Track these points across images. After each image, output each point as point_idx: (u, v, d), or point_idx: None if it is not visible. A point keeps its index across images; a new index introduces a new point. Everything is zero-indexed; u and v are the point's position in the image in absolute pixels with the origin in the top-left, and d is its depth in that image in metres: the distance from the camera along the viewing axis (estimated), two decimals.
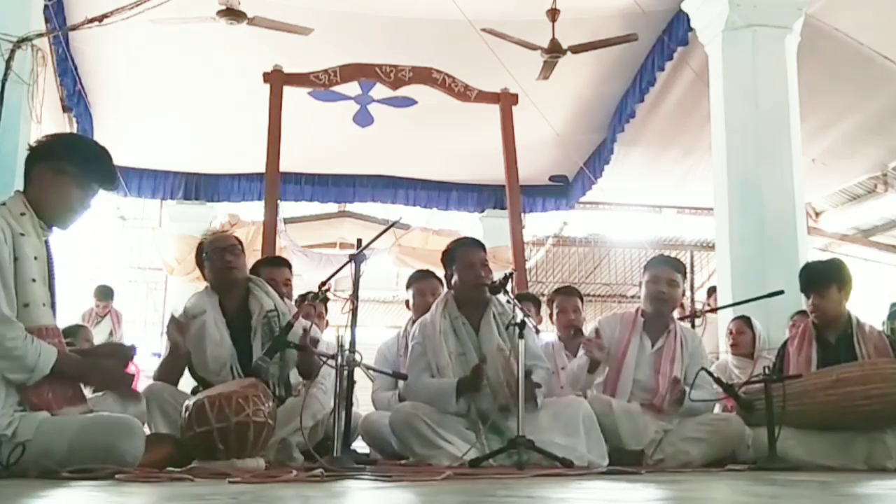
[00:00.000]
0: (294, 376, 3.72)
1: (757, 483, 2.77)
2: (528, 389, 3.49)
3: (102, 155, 2.89)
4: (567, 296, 5.04)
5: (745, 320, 5.83)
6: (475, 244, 3.96)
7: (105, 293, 8.94)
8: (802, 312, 5.68)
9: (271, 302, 3.68)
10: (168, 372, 3.62)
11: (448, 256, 3.94)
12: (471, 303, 3.83)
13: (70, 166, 2.74)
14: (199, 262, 3.82)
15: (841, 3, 7.86)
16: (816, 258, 6.08)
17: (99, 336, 8.44)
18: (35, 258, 2.65)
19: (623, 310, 4.47)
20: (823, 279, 4.05)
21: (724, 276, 6.99)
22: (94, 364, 2.83)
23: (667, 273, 4.14)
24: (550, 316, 5.12)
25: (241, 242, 3.86)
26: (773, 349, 5.57)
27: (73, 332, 5.70)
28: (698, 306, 12.70)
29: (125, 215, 12.84)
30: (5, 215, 2.63)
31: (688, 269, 14.12)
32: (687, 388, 3.90)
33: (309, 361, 3.59)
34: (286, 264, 4.52)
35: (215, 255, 3.71)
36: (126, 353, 3.02)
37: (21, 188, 2.77)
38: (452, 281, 3.89)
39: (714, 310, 7.08)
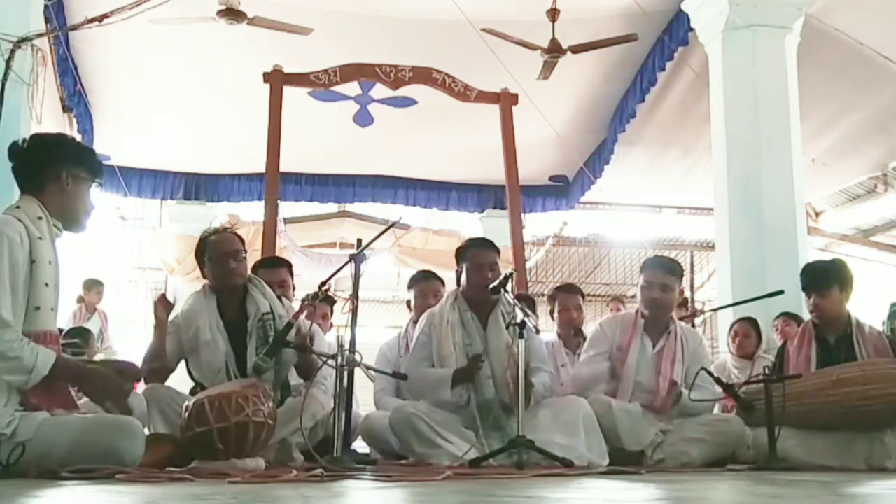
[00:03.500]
0: (294, 377, 3.72)
1: (757, 483, 2.77)
2: (524, 390, 3.50)
3: (91, 149, 3.00)
4: (569, 294, 5.03)
5: (750, 323, 5.76)
6: (487, 245, 3.95)
7: (96, 283, 8.90)
8: (786, 314, 5.71)
9: (267, 304, 3.62)
10: (154, 355, 3.57)
11: (460, 254, 3.95)
12: (479, 301, 3.83)
13: (84, 171, 2.79)
14: (199, 260, 3.71)
15: (841, 3, 7.86)
16: (816, 258, 6.09)
17: None
18: (49, 262, 2.67)
19: (624, 311, 4.46)
20: (825, 279, 4.05)
21: (724, 276, 6.99)
22: (93, 371, 2.78)
23: (660, 278, 4.12)
24: (551, 313, 5.11)
25: (243, 243, 3.77)
26: (773, 349, 5.58)
27: (78, 333, 5.67)
28: (699, 307, 12.70)
29: (125, 215, 12.84)
30: (23, 219, 2.64)
31: (687, 269, 14.13)
32: (685, 391, 3.91)
33: (307, 362, 3.58)
34: (284, 264, 4.46)
35: (219, 259, 3.63)
36: (135, 375, 3.04)
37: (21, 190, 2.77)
38: (461, 279, 3.89)
39: (714, 310, 7.08)
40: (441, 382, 3.66)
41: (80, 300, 8.87)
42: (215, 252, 3.65)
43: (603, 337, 4.17)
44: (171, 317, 3.66)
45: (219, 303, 3.65)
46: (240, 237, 3.81)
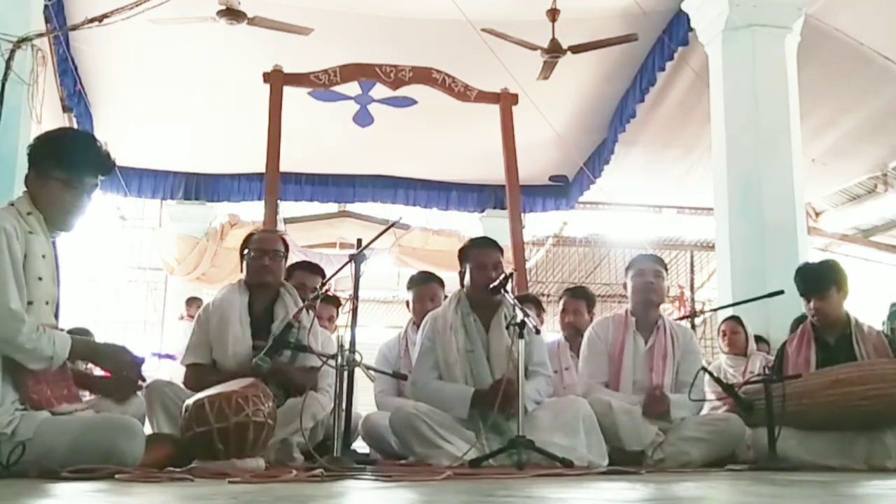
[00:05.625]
0: None
1: (757, 483, 2.77)
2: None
3: (87, 146, 2.84)
4: (571, 297, 5.05)
5: (736, 320, 5.92)
6: (490, 245, 3.93)
7: (196, 299, 9.78)
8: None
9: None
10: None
11: (463, 254, 3.93)
12: (482, 302, 3.82)
13: (56, 171, 2.71)
14: (241, 253, 3.86)
15: (841, 3, 7.87)
16: (816, 258, 6.09)
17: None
18: (43, 256, 2.67)
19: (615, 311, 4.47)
20: (823, 282, 4.05)
21: (724, 276, 6.99)
22: (104, 345, 2.89)
23: (651, 266, 4.21)
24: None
25: (286, 247, 3.89)
26: (773, 349, 5.58)
27: (80, 334, 5.71)
28: (698, 307, 12.68)
29: (125, 215, 12.85)
30: (14, 214, 2.66)
31: (687, 269, 14.09)
32: (671, 396, 3.95)
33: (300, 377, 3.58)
34: (320, 273, 4.50)
35: (256, 254, 3.76)
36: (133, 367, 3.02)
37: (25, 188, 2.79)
38: (465, 279, 3.89)
39: (714, 310, 7.09)
40: (459, 401, 3.61)
41: (182, 317, 9.42)
42: (255, 247, 3.79)
43: (598, 340, 4.19)
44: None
45: (250, 300, 3.74)
46: (285, 243, 3.92)
